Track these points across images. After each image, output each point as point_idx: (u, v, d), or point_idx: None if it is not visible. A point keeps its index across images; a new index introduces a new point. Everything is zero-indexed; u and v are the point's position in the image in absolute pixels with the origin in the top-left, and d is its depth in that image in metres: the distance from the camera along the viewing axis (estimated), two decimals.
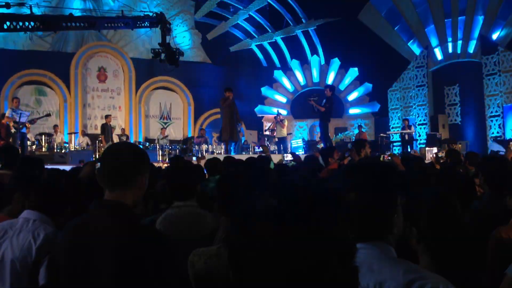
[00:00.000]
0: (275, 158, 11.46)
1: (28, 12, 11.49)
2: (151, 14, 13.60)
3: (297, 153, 16.37)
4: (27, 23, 10.60)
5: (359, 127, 20.96)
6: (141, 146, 17.47)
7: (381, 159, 11.54)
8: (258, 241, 0.91)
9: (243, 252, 0.93)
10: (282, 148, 17.49)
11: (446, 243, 1.88)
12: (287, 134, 18.57)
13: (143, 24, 13.42)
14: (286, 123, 18.20)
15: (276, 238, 0.90)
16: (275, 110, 21.53)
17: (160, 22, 13.22)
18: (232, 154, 13.40)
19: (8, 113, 13.12)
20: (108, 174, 2.03)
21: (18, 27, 10.48)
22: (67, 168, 6.77)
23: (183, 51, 13.40)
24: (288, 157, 8.64)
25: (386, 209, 1.64)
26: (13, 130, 12.96)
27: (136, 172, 2.04)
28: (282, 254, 0.89)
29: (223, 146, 18.12)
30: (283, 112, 21.79)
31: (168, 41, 13.17)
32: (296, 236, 0.90)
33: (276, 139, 17.84)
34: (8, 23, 10.44)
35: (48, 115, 17.13)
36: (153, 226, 2.97)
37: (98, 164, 4.52)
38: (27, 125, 13.32)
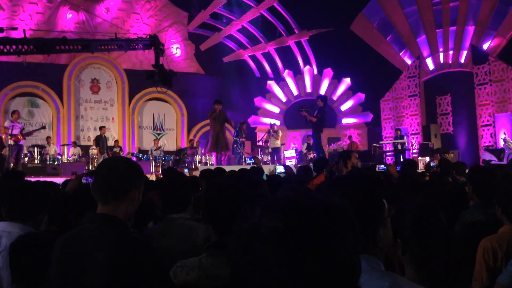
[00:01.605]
0: (268, 169, 11.48)
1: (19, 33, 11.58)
2: (144, 36, 13.63)
3: (289, 164, 16.40)
4: (20, 47, 10.63)
5: (349, 137, 21.01)
6: (134, 158, 17.50)
7: (376, 169, 11.56)
8: (262, 263, 0.88)
9: (246, 274, 0.91)
10: (275, 158, 17.51)
11: (430, 253, 1.89)
12: (281, 145, 18.61)
13: (136, 47, 13.44)
14: (280, 134, 18.24)
15: (281, 261, 0.87)
16: (268, 121, 21.58)
17: (154, 44, 13.23)
18: (224, 166, 13.44)
19: (6, 123, 13.37)
20: (102, 188, 2.05)
21: (11, 50, 10.51)
22: (60, 180, 6.75)
23: (176, 72, 13.39)
24: (280, 168, 8.62)
25: (368, 223, 1.63)
26: (11, 142, 13.15)
27: (130, 187, 2.07)
28: (286, 277, 0.87)
29: (212, 158, 18.16)
30: (277, 122, 21.83)
31: (162, 62, 13.16)
32: (302, 259, 0.87)
33: (270, 150, 17.86)
34: (1, 46, 10.46)
35: (43, 127, 17.15)
36: (145, 239, 2.97)
37: (85, 178, 4.53)
38: (19, 137, 13.35)
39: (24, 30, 11.27)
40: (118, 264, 1.85)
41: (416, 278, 1.82)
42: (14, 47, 10.51)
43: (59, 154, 17.60)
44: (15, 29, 11.47)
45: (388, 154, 20.25)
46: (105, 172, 2.09)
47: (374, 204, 1.67)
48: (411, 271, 1.91)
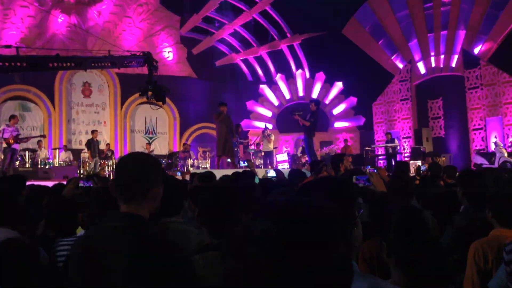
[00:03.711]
0: (260, 172, 11.48)
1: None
2: (138, 53, 13.56)
3: (281, 168, 16.41)
4: (13, 64, 10.59)
5: (345, 140, 21.09)
6: None
7: (367, 171, 11.56)
8: (255, 267, 0.87)
9: (239, 278, 0.90)
10: (268, 162, 17.52)
11: (415, 256, 1.90)
12: (273, 148, 18.61)
13: (130, 64, 13.37)
14: (273, 137, 18.24)
15: (273, 265, 0.86)
16: (260, 124, 21.59)
17: (147, 61, 13.16)
18: (215, 170, 13.35)
19: (1, 127, 13.49)
20: (124, 186, 2.01)
21: (4, 67, 10.47)
22: (51, 184, 6.71)
23: (169, 88, 13.31)
24: (271, 172, 8.59)
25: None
26: (4, 145, 13.31)
27: (151, 183, 2.03)
28: (279, 281, 0.86)
29: (208, 161, 18.10)
30: (269, 126, 21.84)
31: (155, 79, 13.09)
32: (294, 263, 0.87)
33: (263, 153, 17.87)
34: None
35: (43, 136, 17.19)
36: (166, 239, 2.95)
37: (82, 182, 4.50)
38: (10, 140, 13.34)
39: (17, 48, 11.25)
40: (142, 263, 1.83)
41: (401, 281, 1.83)
42: (6, 64, 10.47)
43: (49, 158, 17.49)
44: (9, 46, 11.41)
45: (380, 157, 20.31)
46: (126, 170, 2.05)
47: (344, 203, 1.66)
48: (396, 274, 1.91)
